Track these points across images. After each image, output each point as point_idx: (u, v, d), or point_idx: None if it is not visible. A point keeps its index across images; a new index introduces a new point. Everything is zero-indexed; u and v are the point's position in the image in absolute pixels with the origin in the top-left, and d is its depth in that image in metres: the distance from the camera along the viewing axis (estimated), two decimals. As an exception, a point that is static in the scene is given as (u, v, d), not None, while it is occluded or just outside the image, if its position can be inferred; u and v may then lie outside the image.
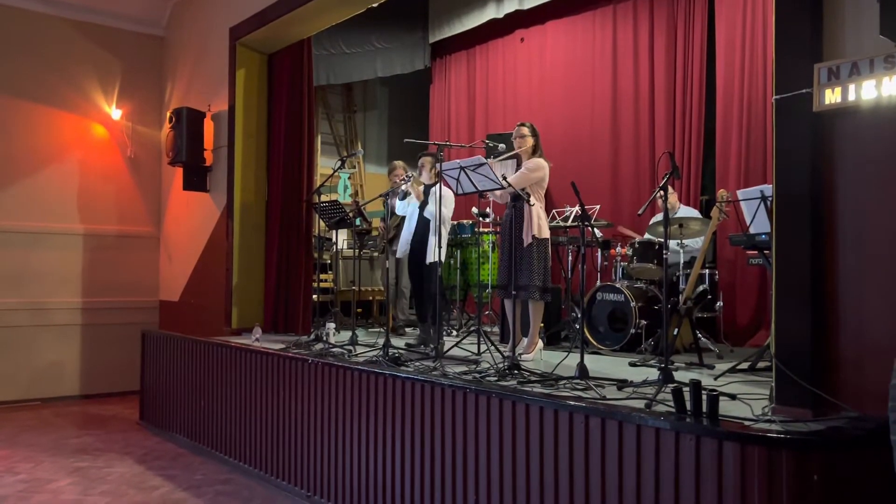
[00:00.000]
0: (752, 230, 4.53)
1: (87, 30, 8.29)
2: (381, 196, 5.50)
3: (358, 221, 6.56)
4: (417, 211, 5.72)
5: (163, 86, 8.73)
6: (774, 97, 3.07)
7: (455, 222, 7.04)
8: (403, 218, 6.03)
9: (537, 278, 4.64)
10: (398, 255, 6.00)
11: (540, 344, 4.95)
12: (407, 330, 6.99)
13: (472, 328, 5.34)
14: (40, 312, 7.92)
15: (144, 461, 5.74)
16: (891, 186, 2.83)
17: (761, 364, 4.24)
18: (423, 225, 5.66)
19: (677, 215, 5.66)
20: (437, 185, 4.94)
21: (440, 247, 5.01)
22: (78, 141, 8.26)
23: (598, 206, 6.19)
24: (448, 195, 5.46)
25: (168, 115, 7.72)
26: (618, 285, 5.54)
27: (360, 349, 5.15)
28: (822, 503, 2.58)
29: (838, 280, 2.94)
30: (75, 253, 8.21)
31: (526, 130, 4.83)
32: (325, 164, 9.44)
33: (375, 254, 6.92)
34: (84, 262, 8.26)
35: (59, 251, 8.08)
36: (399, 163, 6.65)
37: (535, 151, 4.83)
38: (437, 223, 4.90)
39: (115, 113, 8.43)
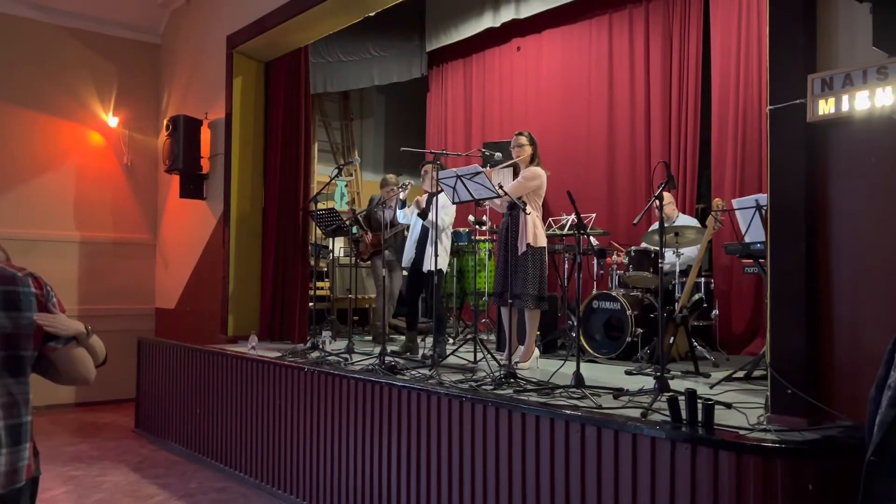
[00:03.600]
0: (747, 239, 4.54)
1: (84, 37, 8.29)
2: (373, 207, 5.47)
3: (354, 229, 6.57)
4: (420, 220, 5.71)
5: (159, 93, 8.74)
6: (769, 107, 3.09)
7: (452, 230, 7.05)
8: (398, 228, 6.02)
9: (531, 287, 4.64)
10: (404, 265, 5.96)
11: (536, 352, 4.96)
12: (393, 337, 6.99)
13: (469, 336, 5.35)
14: (35, 320, 7.88)
15: (139, 469, 5.72)
16: (884, 196, 2.85)
17: (757, 373, 4.24)
18: (424, 233, 5.64)
19: (675, 224, 5.67)
20: (437, 194, 4.94)
21: (437, 255, 4.99)
22: (74, 148, 8.25)
23: (593, 215, 6.19)
24: (449, 203, 5.45)
25: (165, 122, 7.72)
26: (614, 293, 5.54)
27: (356, 357, 5.14)
28: (818, 512, 2.58)
29: (833, 289, 2.95)
30: (71, 260, 8.20)
31: (524, 139, 4.84)
32: (321, 172, 9.46)
33: (356, 260, 6.90)
34: (80, 269, 8.25)
35: (55, 258, 8.06)
36: (391, 177, 6.65)
37: (533, 160, 4.84)
38: (434, 233, 4.89)
39: (112, 120, 8.43)
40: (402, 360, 4.94)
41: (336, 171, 6.19)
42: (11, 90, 7.82)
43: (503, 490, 3.47)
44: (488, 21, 8.04)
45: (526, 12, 7.62)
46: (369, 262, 6.93)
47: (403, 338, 7.05)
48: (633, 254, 5.66)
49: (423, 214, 5.38)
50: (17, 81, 7.85)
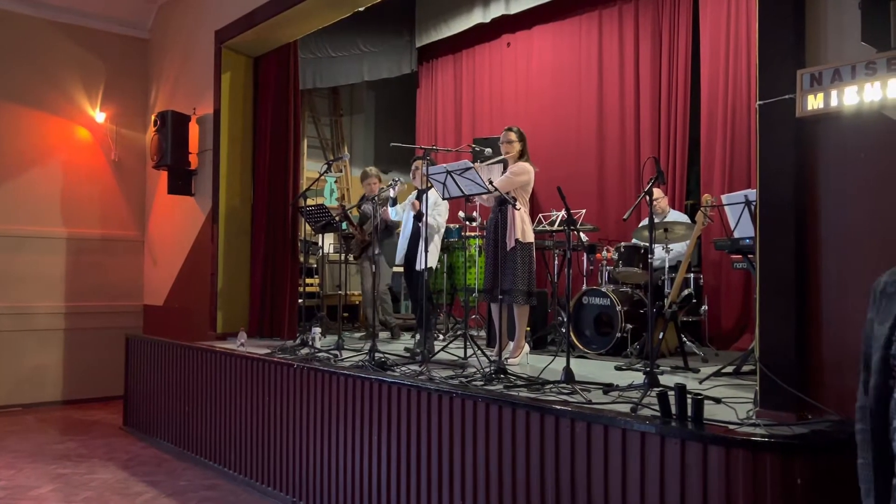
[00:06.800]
0: (736, 235, 4.55)
1: (72, 32, 8.22)
2: (360, 202, 5.41)
3: (344, 225, 6.54)
4: (412, 216, 5.68)
5: (147, 89, 8.67)
6: (758, 103, 3.10)
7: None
8: (380, 224, 5.98)
9: (521, 282, 4.64)
10: (397, 262, 5.95)
11: (526, 348, 4.95)
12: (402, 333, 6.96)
13: (459, 332, 5.34)
14: (23, 317, 7.83)
15: (128, 467, 5.68)
16: (873, 191, 2.86)
17: (746, 368, 4.26)
18: (416, 230, 5.61)
19: (667, 219, 5.69)
20: (429, 190, 4.92)
21: (427, 251, 4.98)
22: (62, 144, 8.18)
23: (583, 211, 6.20)
24: (441, 201, 5.43)
25: (153, 118, 7.67)
26: (604, 289, 5.55)
27: (345, 354, 5.13)
28: (806, 506, 2.59)
29: (822, 284, 2.96)
30: (58, 257, 8.13)
31: (513, 135, 4.83)
32: (311, 168, 9.43)
33: (350, 257, 6.89)
34: (67, 265, 8.18)
35: (43, 255, 8.00)
36: (372, 170, 6.63)
37: (522, 156, 4.83)
38: (425, 229, 4.88)
39: (100, 116, 8.36)
40: (392, 356, 4.93)
41: (325, 167, 6.16)
42: (-3, 85, 7.75)
43: (493, 485, 3.47)
44: (478, 17, 8.03)
45: (516, 8, 7.61)
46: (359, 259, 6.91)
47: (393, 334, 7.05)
48: (622, 250, 5.67)
49: (419, 216, 5.31)
50: (2, 76, 7.77)
